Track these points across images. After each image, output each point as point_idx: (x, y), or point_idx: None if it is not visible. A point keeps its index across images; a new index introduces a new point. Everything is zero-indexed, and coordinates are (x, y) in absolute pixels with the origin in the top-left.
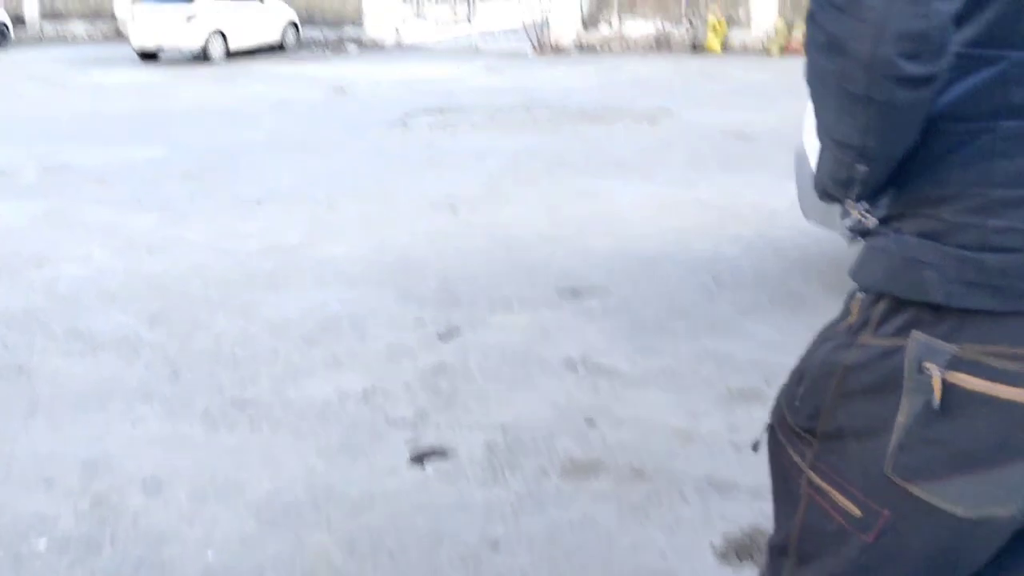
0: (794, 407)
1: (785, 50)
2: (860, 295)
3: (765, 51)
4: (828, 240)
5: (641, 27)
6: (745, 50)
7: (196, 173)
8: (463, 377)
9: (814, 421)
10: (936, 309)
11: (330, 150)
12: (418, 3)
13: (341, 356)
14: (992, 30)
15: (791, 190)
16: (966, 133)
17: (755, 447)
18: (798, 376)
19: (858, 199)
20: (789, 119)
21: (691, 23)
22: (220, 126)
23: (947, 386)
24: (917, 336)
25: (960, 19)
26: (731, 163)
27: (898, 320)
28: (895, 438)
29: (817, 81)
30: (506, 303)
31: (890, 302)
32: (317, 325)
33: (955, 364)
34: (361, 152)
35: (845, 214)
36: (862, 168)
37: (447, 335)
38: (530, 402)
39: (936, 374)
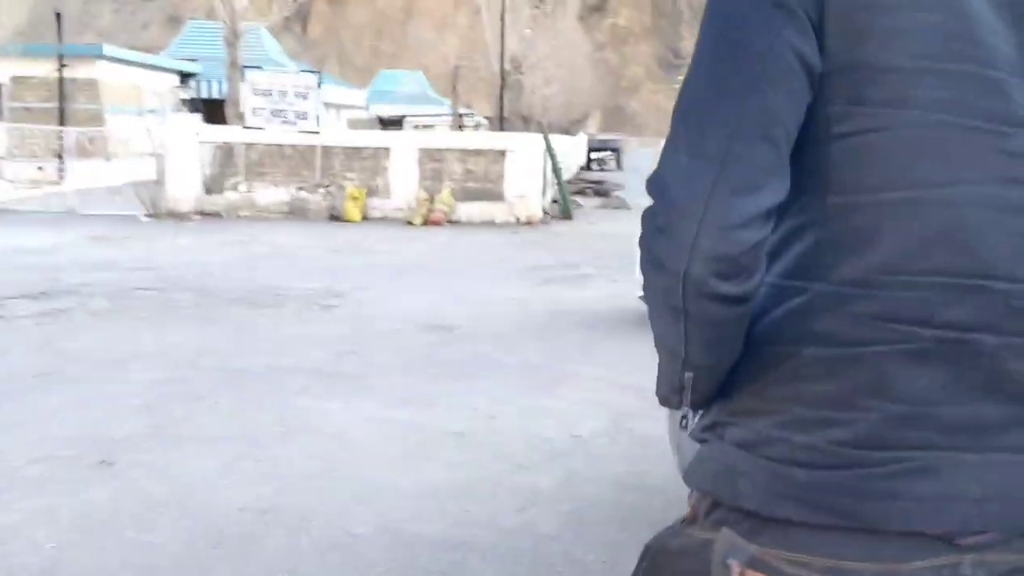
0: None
1: (427, 221)
2: (694, 492)
3: (407, 222)
4: None
5: (273, 193)
6: (386, 220)
7: None
8: None
9: None
10: (746, 511)
11: None
12: None
13: None
14: (799, 264)
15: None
16: (777, 356)
17: None
18: (643, 554)
19: (692, 407)
20: (477, 303)
21: (328, 191)
22: None
23: None
24: (725, 533)
25: (773, 255)
26: (454, 366)
27: (715, 515)
28: None
29: (648, 294)
30: None
31: (712, 500)
32: None
33: (753, 563)
34: None
35: (684, 421)
36: (688, 376)
37: None
38: None
39: (735, 570)
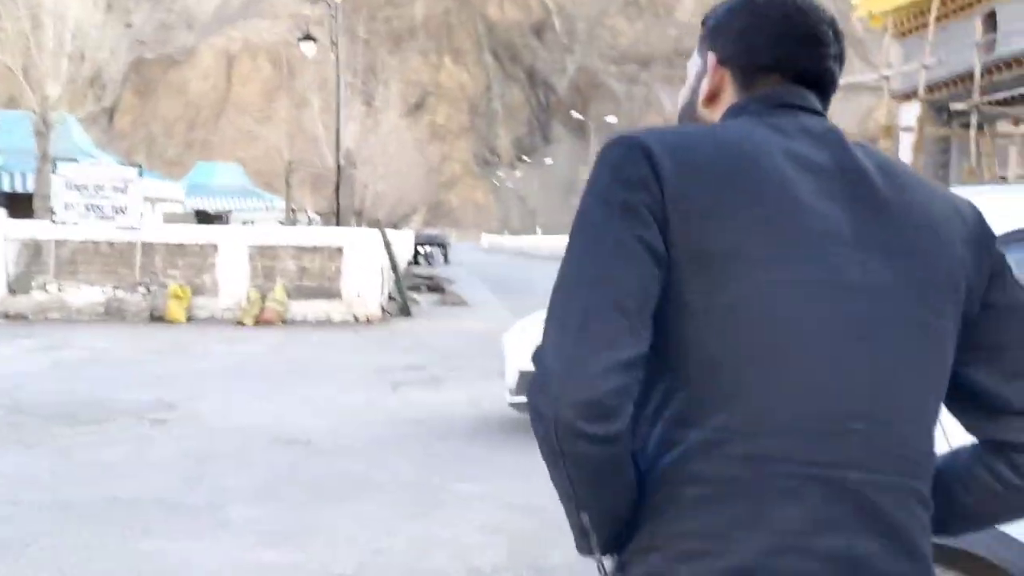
0: None
1: (259, 321)
2: None
3: (238, 322)
4: None
5: (87, 293)
6: (213, 320)
7: None
8: None
9: None
10: None
11: None
12: None
13: None
14: (678, 417)
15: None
16: (664, 497)
17: None
18: None
19: (601, 551)
20: (327, 411)
21: (148, 290)
22: None
23: None
24: None
25: (657, 410)
26: (320, 488)
27: None
28: None
29: (538, 442)
30: None
31: None
32: None
33: None
34: None
35: (600, 568)
36: (584, 516)
37: None
38: None
39: None
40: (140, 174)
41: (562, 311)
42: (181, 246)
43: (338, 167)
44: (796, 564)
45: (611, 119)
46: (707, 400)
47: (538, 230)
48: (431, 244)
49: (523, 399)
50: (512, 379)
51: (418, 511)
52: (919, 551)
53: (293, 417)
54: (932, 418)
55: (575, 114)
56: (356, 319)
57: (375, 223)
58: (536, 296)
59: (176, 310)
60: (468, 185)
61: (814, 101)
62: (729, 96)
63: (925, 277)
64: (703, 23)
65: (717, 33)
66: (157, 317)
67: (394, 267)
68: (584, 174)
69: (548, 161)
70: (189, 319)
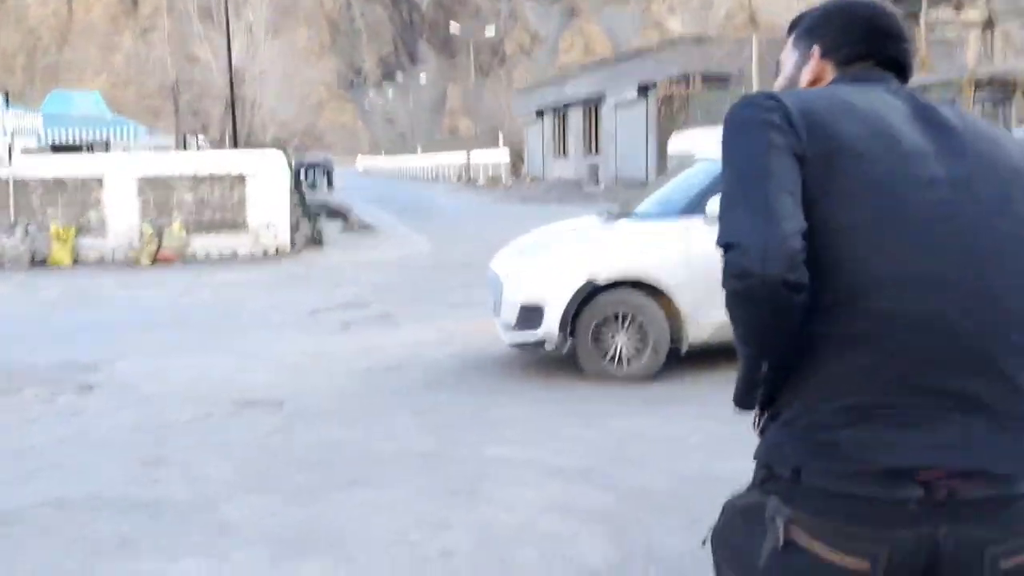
0: (717, 530)
1: (157, 259)
2: (757, 464)
3: (133, 261)
4: None
5: None
6: (104, 262)
7: None
8: None
9: (723, 545)
10: (788, 478)
11: None
12: None
13: None
14: (813, 283)
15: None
16: (810, 353)
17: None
18: (722, 511)
19: (760, 407)
20: (280, 364)
21: (27, 231)
22: None
23: (787, 537)
24: (772, 500)
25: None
26: (321, 467)
27: (767, 484)
28: (762, 563)
29: (733, 302)
30: None
31: (766, 470)
32: None
33: (791, 521)
34: None
35: (755, 421)
36: (764, 365)
37: None
38: None
39: (780, 525)
40: (5, 102)
41: (745, 200)
42: (60, 181)
43: (231, 89)
44: (916, 401)
45: (488, 34)
46: (834, 267)
47: (418, 148)
48: (314, 167)
49: (527, 337)
50: (511, 314)
51: (459, 489)
52: None
53: (245, 374)
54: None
55: (452, 28)
56: (265, 253)
57: (279, 143)
58: (445, 218)
59: (60, 253)
60: (334, 108)
61: (896, 80)
62: (828, 80)
63: (996, 174)
64: (795, 24)
65: (814, 32)
66: (39, 262)
67: (300, 194)
68: (454, 93)
69: (423, 78)
70: (76, 262)
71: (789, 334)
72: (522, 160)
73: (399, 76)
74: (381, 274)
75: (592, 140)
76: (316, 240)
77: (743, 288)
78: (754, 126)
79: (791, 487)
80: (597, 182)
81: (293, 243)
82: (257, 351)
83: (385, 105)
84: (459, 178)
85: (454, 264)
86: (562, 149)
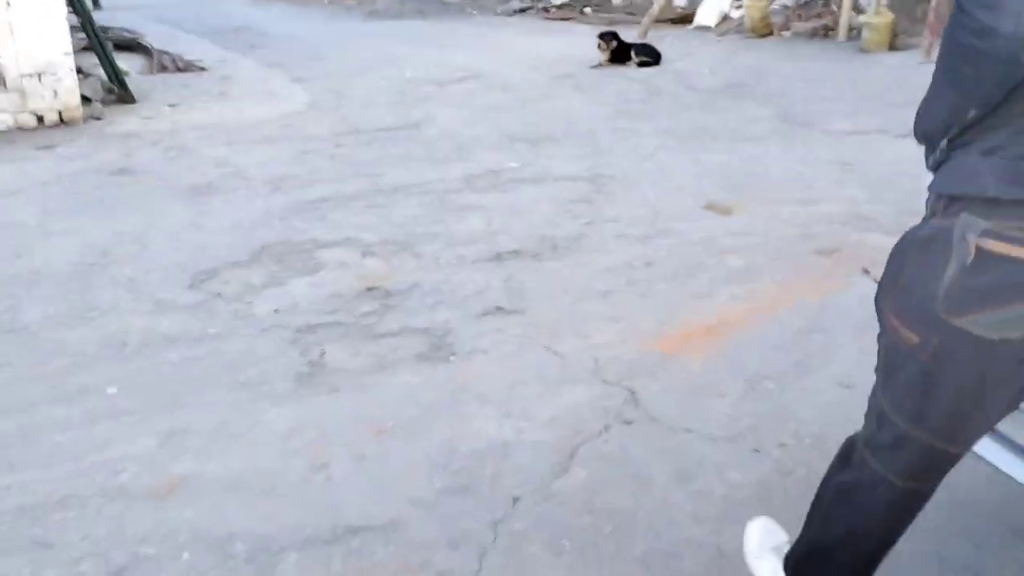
0: (887, 270)
1: None
2: (933, 198)
3: None
4: None
5: None
6: None
7: None
8: None
9: (894, 281)
10: (982, 200)
11: None
12: None
13: None
14: None
15: None
16: (1012, 88)
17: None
18: (892, 252)
19: (948, 140)
20: None
21: None
22: None
23: (979, 250)
24: (964, 216)
25: None
26: None
27: (954, 208)
28: (943, 286)
29: (958, 56)
30: None
31: (950, 197)
32: None
33: (986, 233)
34: None
35: (930, 154)
36: (972, 113)
37: None
38: None
39: (972, 241)
40: None
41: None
42: None
43: None
44: None
45: None
46: None
47: None
48: None
49: None
50: None
51: None
52: None
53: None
54: None
55: None
56: (40, 121)
57: None
58: (289, 49)
59: None
60: None
61: None
62: None
63: None
64: None
65: None
66: None
67: (86, 18)
68: None
69: None
70: None
71: (1010, 90)
72: None
73: None
74: (275, 161)
75: None
76: (121, 91)
77: (982, 44)
78: None
79: (987, 205)
80: None
81: (86, 100)
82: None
83: None
84: None
85: (375, 129)
86: None
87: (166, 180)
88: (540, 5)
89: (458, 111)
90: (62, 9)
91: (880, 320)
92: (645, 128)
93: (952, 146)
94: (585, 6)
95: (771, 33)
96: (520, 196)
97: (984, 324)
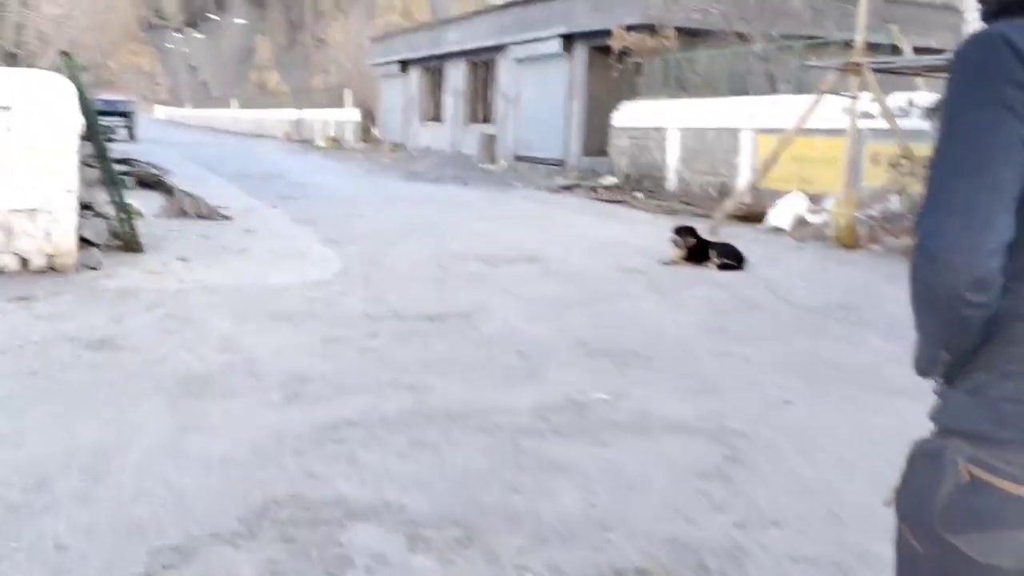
0: (903, 475)
1: None
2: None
3: None
4: None
5: None
6: None
7: None
8: None
9: (906, 487)
10: (970, 433)
11: None
12: None
13: None
14: (1017, 271)
15: None
16: (998, 332)
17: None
18: (909, 452)
19: (940, 375)
20: None
21: None
22: None
23: (971, 475)
24: (954, 441)
25: (1005, 265)
26: None
27: (945, 434)
28: (939, 502)
29: (912, 301)
30: None
31: (946, 429)
32: None
33: (973, 461)
34: None
35: (935, 386)
36: (945, 355)
37: None
38: None
39: (961, 465)
40: None
41: (949, 195)
42: None
43: None
44: None
45: None
46: None
47: (233, 102)
48: (112, 114)
49: None
50: None
51: None
52: None
53: None
54: None
55: None
56: (25, 265)
57: (68, 60)
58: (319, 199)
59: None
60: (130, 50)
61: None
62: None
63: None
64: None
65: None
66: None
67: (99, 148)
68: (262, 45)
69: (239, 21)
70: None
71: (968, 338)
72: (373, 122)
73: (203, 21)
74: (294, 349)
75: (482, 104)
76: (128, 237)
77: (923, 292)
78: (988, 81)
79: (975, 437)
80: (493, 158)
81: (86, 244)
82: None
83: (187, 52)
84: (288, 137)
85: (417, 316)
86: (435, 112)
87: (153, 365)
88: (587, 184)
89: (515, 301)
90: (72, 138)
91: (896, 522)
92: (755, 355)
93: (944, 380)
94: (636, 190)
95: (857, 245)
96: (623, 455)
97: (973, 546)
